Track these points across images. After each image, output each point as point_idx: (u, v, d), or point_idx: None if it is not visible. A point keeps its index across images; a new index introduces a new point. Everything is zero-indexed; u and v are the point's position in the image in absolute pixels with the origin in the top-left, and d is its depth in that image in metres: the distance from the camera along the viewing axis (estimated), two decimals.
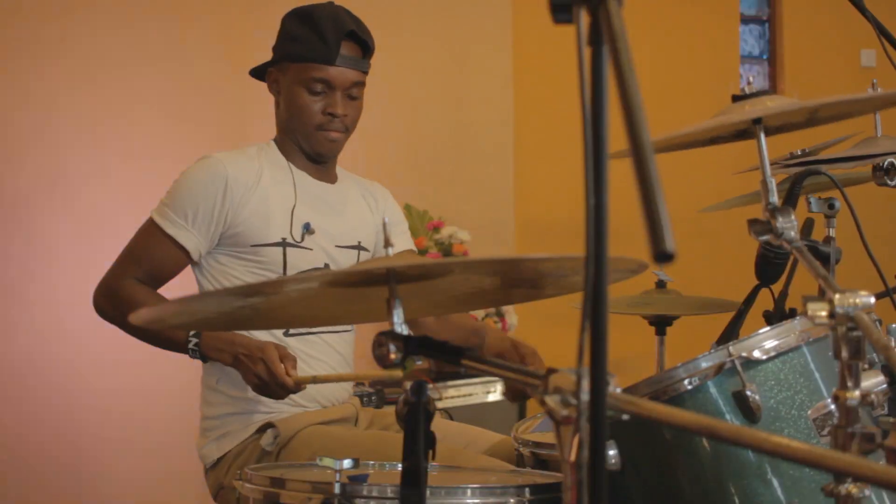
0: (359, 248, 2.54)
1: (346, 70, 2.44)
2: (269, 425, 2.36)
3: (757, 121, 1.88)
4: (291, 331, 2.42)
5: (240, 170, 2.41)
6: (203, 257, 2.43)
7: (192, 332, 2.31)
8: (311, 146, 2.48)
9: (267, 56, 2.54)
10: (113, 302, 2.40)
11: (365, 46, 2.48)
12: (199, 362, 2.42)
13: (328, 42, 2.42)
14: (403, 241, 2.64)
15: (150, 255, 2.41)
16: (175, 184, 2.44)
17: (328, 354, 2.47)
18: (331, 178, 2.56)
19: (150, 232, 2.42)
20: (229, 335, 2.32)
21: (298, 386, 2.25)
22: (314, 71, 2.43)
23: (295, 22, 2.48)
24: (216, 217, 2.39)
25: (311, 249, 2.43)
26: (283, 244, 2.41)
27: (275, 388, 2.23)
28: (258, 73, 2.56)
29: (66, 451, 3.74)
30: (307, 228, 2.44)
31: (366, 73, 2.49)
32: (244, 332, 2.38)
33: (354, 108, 2.49)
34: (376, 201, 2.65)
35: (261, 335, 2.39)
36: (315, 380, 2.35)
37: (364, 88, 2.50)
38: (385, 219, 1.64)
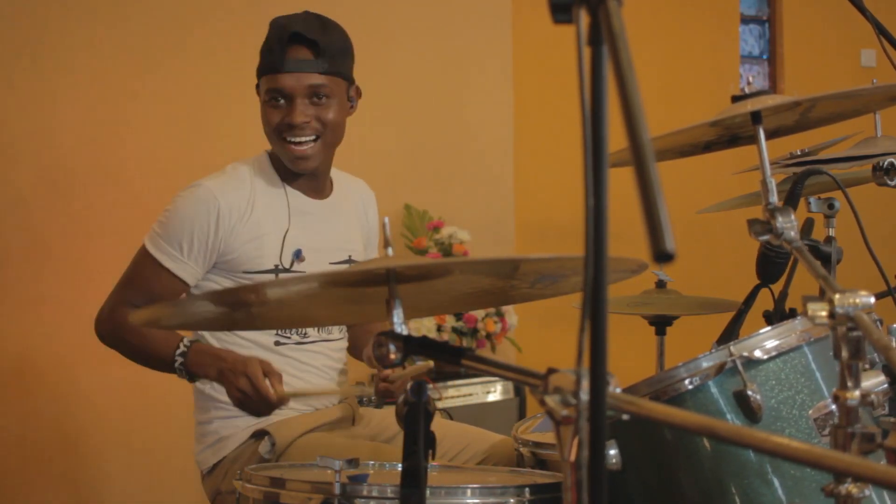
0: (349, 262, 2.54)
1: (297, 74, 2.36)
2: (263, 432, 2.35)
3: (756, 119, 1.89)
4: (282, 340, 2.42)
5: (232, 198, 2.37)
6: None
7: (178, 352, 2.30)
8: (285, 160, 2.42)
9: None
10: (115, 330, 2.41)
11: (314, 46, 2.37)
12: None
13: (273, 50, 2.37)
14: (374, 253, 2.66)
15: (149, 286, 2.39)
16: (166, 213, 2.40)
17: (320, 361, 2.47)
18: (324, 192, 2.52)
19: (147, 263, 2.39)
20: (214, 350, 2.32)
21: (282, 401, 2.20)
22: (268, 82, 2.39)
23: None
24: (210, 247, 2.36)
25: (304, 273, 2.42)
26: (276, 270, 2.40)
27: (258, 403, 2.19)
28: None
29: (63, 452, 3.73)
30: (297, 256, 2.42)
31: (323, 73, 2.37)
32: (240, 333, 2.39)
33: (325, 112, 2.38)
34: (365, 206, 2.66)
35: (253, 338, 2.40)
36: (297, 394, 2.31)
37: (333, 91, 2.39)
38: (385, 219, 1.64)
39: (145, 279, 2.40)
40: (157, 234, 2.39)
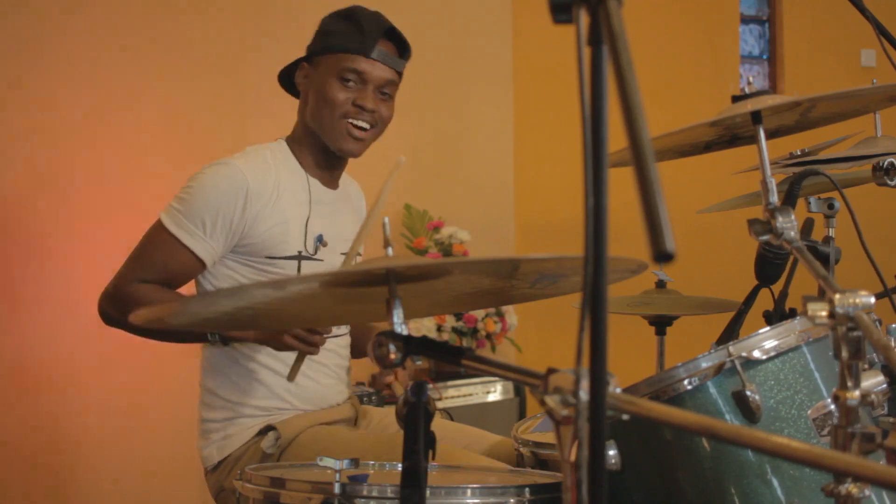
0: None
1: (381, 65, 2.41)
2: (269, 428, 2.35)
3: (757, 119, 1.89)
4: None
5: (260, 180, 2.35)
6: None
7: None
8: (335, 140, 2.41)
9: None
10: (120, 306, 2.31)
11: (402, 46, 2.45)
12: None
13: (366, 35, 2.39)
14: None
15: (163, 263, 2.33)
16: (190, 189, 2.34)
17: (331, 360, 2.48)
18: (336, 182, 2.54)
19: (163, 239, 2.33)
20: None
21: (327, 330, 2.28)
22: (349, 61, 2.39)
23: (334, 18, 2.46)
24: (234, 228, 2.32)
25: (322, 261, 2.42)
26: (299, 257, 2.39)
27: (309, 341, 2.24)
28: (286, 75, 2.51)
29: (62, 453, 3.73)
30: (320, 241, 2.42)
31: (400, 73, 2.46)
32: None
33: (386, 108, 2.44)
34: (359, 205, 2.67)
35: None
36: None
37: (397, 90, 2.47)
38: (385, 219, 1.64)
39: (159, 256, 2.33)
40: (177, 210, 2.33)
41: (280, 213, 2.37)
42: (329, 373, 2.47)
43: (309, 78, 2.45)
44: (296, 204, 2.40)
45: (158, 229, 2.34)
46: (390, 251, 1.57)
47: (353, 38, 2.40)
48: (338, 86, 2.40)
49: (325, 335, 2.26)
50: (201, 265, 2.35)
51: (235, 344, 2.36)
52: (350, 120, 2.40)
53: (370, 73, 2.40)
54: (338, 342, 2.50)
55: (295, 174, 2.44)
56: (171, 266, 2.33)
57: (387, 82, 2.42)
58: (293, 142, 2.49)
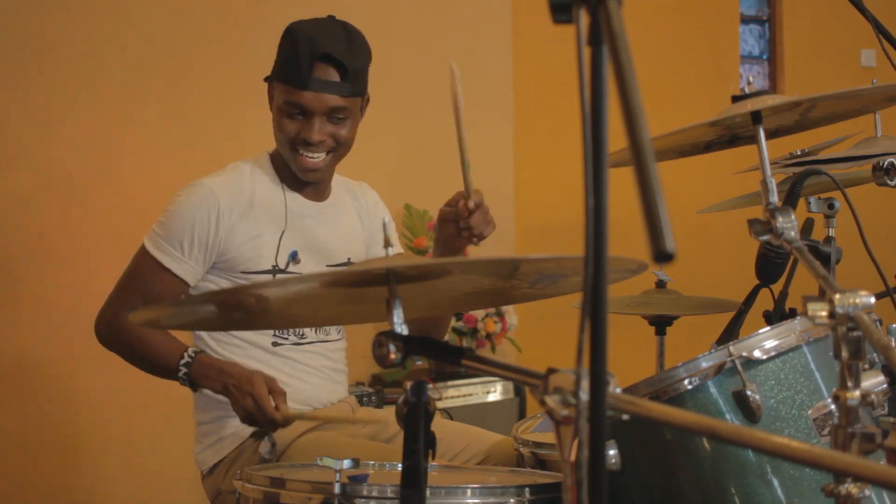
0: (348, 264, 2.53)
1: (321, 95, 2.33)
2: (263, 432, 2.34)
3: (757, 119, 1.89)
4: (279, 341, 2.42)
5: (232, 197, 2.38)
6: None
7: (182, 362, 2.30)
8: (293, 168, 2.42)
9: (267, 60, 2.51)
10: (114, 333, 2.40)
11: (342, 68, 2.34)
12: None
13: (301, 65, 2.32)
14: (397, 246, 2.63)
15: (149, 286, 2.38)
16: (167, 213, 2.40)
17: (318, 361, 2.48)
18: (324, 194, 2.52)
19: (147, 263, 2.39)
20: (220, 364, 2.31)
21: (287, 421, 2.21)
22: (289, 94, 2.35)
23: (284, 38, 2.40)
24: (210, 246, 2.37)
25: (301, 274, 2.41)
26: (273, 271, 2.40)
27: (263, 422, 2.21)
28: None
29: (63, 453, 3.73)
30: (293, 258, 2.42)
31: (347, 96, 2.35)
32: (238, 334, 2.40)
33: (340, 130, 2.38)
34: (367, 207, 2.62)
35: (250, 339, 2.41)
36: (303, 416, 2.29)
37: (351, 111, 2.38)
38: (385, 219, 1.64)
39: (145, 280, 2.39)
40: (158, 234, 2.39)
41: (253, 228, 2.39)
42: (317, 374, 2.47)
43: (271, 100, 2.43)
44: (269, 218, 2.41)
45: (142, 254, 2.41)
46: (391, 251, 1.58)
47: (289, 68, 2.34)
48: (285, 120, 2.37)
49: (286, 425, 2.23)
50: (185, 285, 2.39)
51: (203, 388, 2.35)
52: (301, 152, 2.38)
53: (310, 105, 2.34)
54: (327, 346, 2.50)
55: (272, 188, 2.44)
56: (156, 289, 2.38)
57: (331, 110, 2.35)
58: (275, 155, 2.48)
